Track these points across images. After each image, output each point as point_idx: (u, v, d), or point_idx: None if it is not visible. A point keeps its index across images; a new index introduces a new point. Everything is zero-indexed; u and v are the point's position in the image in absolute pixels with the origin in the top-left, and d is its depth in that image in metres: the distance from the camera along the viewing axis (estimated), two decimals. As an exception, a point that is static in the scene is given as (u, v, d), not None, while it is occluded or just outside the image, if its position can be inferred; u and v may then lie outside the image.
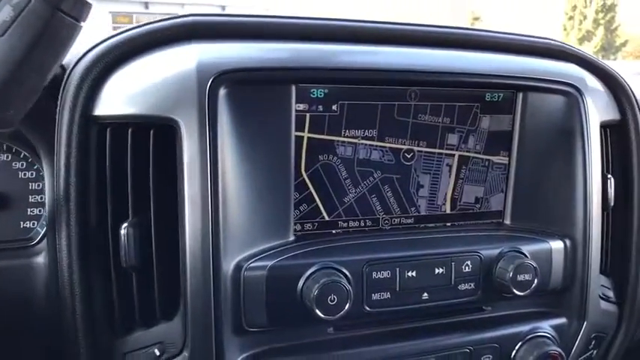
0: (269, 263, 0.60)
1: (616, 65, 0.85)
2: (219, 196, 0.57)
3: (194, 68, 0.57)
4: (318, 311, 0.58)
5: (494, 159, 0.74)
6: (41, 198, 0.66)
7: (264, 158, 0.61)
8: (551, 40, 0.78)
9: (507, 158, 0.74)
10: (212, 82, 0.57)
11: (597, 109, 0.75)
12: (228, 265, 0.58)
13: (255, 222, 0.61)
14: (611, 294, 0.82)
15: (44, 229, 0.64)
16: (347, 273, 0.61)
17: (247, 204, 0.60)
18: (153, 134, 0.59)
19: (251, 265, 0.59)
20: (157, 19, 0.62)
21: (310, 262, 0.61)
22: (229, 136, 0.58)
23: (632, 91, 0.81)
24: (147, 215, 0.59)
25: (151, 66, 0.59)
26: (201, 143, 0.56)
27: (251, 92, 0.60)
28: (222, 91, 0.58)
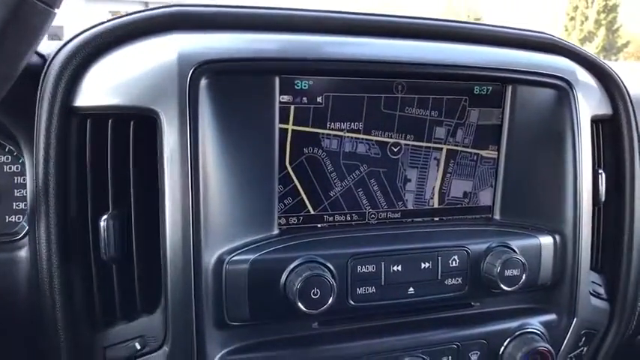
0: (252, 257, 0.59)
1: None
2: (200, 189, 0.56)
3: (175, 58, 0.56)
4: (300, 305, 0.57)
5: (483, 153, 0.73)
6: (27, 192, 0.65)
7: (247, 151, 0.60)
8: (542, 33, 0.77)
9: (496, 152, 0.73)
10: (193, 72, 0.56)
11: (588, 104, 0.74)
12: (210, 259, 0.58)
13: (238, 215, 0.60)
14: (602, 290, 0.81)
15: None
16: (331, 267, 0.61)
17: (229, 197, 0.59)
18: (134, 126, 0.58)
19: (233, 258, 0.59)
20: (139, 10, 0.62)
21: (294, 255, 0.60)
22: (211, 127, 0.58)
23: (624, 86, 0.80)
24: (128, 208, 0.58)
25: (131, 56, 0.59)
26: (182, 135, 0.56)
27: (233, 83, 0.59)
28: (203, 82, 0.57)
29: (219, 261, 0.58)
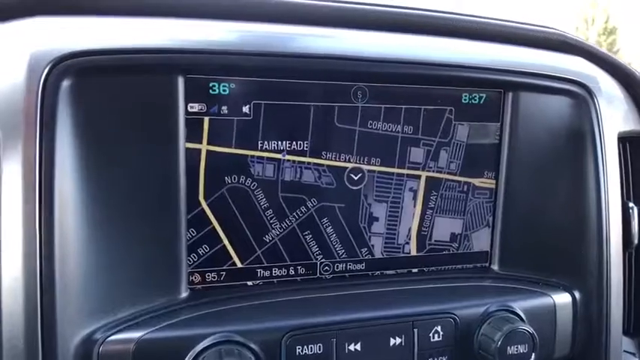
0: (138, 335, 0.41)
1: None
2: (55, 239, 0.38)
3: (24, 52, 0.39)
4: None
5: (476, 182, 0.56)
6: None
7: (136, 182, 0.43)
8: (554, 29, 0.60)
9: (494, 181, 0.57)
10: (49, 71, 0.39)
11: (614, 117, 0.58)
12: (72, 340, 0.40)
13: (122, 274, 0.42)
14: (637, 361, 0.62)
15: None
16: (256, 349, 0.43)
17: (107, 248, 0.41)
18: None
19: (111, 337, 0.41)
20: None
21: (202, 332, 0.42)
22: (77, 150, 0.40)
23: (658, 97, 0.64)
24: None
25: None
26: (27, 161, 0.38)
27: (114, 87, 0.42)
28: (65, 85, 0.40)
29: (89, 341, 0.41)
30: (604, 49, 0.64)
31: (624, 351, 0.62)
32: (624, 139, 0.62)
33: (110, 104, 0.41)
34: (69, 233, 0.39)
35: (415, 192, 0.53)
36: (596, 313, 0.56)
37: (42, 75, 0.39)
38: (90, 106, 0.41)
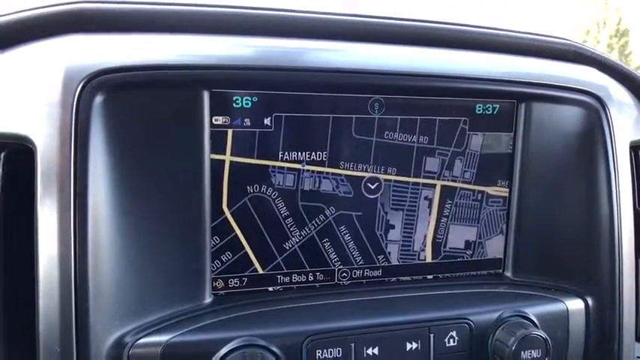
0: (166, 338, 0.43)
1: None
2: (89, 246, 0.40)
3: (60, 68, 0.41)
4: None
5: (490, 190, 0.56)
6: None
7: (163, 191, 0.45)
8: (563, 39, 0.61)
9: (507, 189, 0.57)
10: (83, 86, 0.41)
11: (625, 126, 0.58)
12: (104, 342, 0.42)
13: (150, 280, 0.44)
14: (650, 368, 0.62)
15: None
16: (278, 352, 0.44)
17: (136, 256, 0.43)
18: (5, 158, 0.43)
19: (140, 341, 0.43)
20: (37, 6, 0.47)
21: (227, 336, 0.44)
22: (108, 161, 0.42)
23: (669, 105, 0.64)
24: None
25: (7, 66, 0.44)
26: (63, 171, 0.40)
27: (144, 101, 0.44)
28: (98, 100, 0.41)
29: (119, 345, 0.42)
30: (615, 59, 0.65)
31: (637, 357, 0.62)
32: (636, 148, 0.63)
33: (140, 118, 0.43)
34: (101, 241, 0.41)
35: (430, 200, 0.55)
36: (608, 319, 0.56)
37: (76, 91, 0.41)
38: (121, 120, 0.43)
